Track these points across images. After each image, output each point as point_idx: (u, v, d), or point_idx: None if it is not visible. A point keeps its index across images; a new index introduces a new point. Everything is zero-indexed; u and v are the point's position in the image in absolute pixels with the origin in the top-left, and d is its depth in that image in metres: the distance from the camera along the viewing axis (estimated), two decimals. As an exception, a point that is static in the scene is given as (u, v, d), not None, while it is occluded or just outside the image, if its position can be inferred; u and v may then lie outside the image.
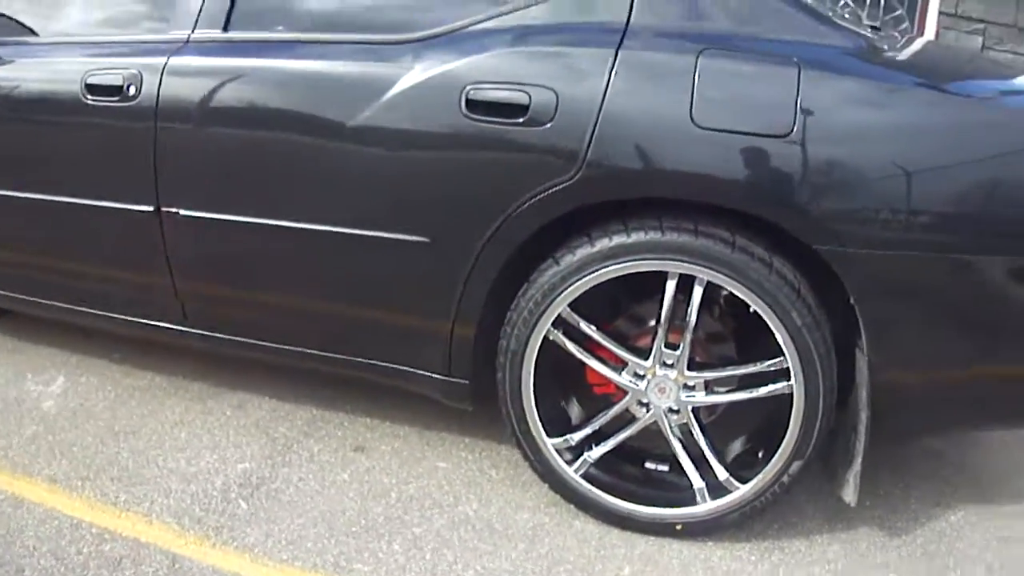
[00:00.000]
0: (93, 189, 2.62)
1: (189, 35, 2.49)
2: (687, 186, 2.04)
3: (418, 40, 2.23)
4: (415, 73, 2.18)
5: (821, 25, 2.10)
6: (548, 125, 2.07)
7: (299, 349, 2.57)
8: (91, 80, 2.55)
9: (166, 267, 2.57)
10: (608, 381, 2.31)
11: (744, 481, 2.24)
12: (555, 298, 2.18)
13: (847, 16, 2.61)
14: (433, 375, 2.40)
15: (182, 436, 2.69)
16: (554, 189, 2.09)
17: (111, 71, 2.53)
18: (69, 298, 2.87)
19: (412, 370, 2.43)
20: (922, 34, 5.97)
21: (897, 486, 2.55)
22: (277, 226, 2.38)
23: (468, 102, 2.13)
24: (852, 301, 2.04)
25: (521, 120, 2.09)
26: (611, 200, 2.11)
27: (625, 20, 2.12)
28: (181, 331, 2.70)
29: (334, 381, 2.93)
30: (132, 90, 2.47)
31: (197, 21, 2.49)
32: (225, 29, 2.47)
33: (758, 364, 2.16)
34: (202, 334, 2.67)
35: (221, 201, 2.43)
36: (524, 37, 2.16)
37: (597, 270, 2.14)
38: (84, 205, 2.64)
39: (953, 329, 2.06)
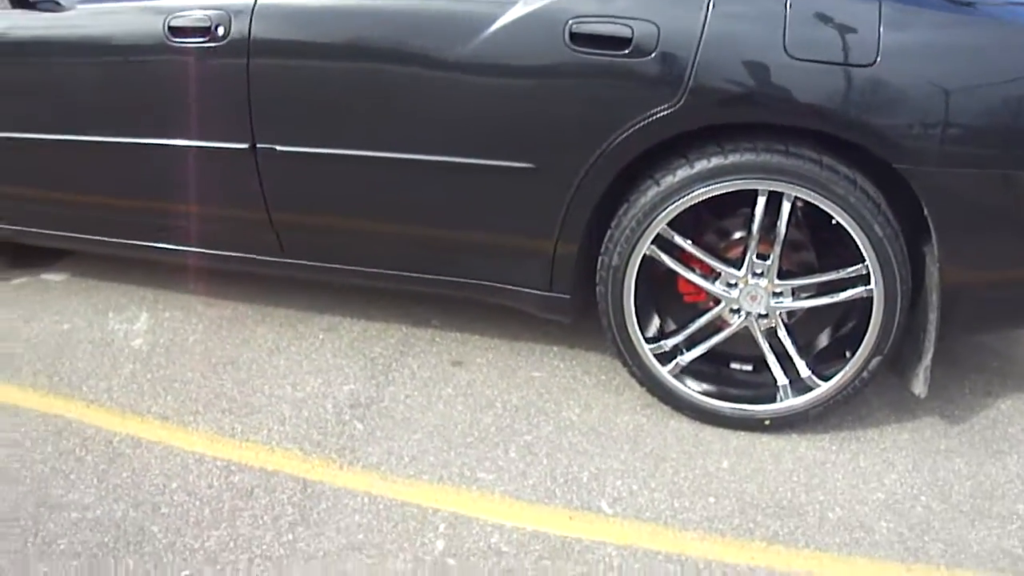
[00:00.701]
0: (186, 129, 2.78)
1: None
2: (780, 111, 2.30)
3: None
4: (518, 7, 2.39)
5: None
6: (651, 56, 2.31)
7: (404, 273, 2.82)
8: (175, 23, 2.69)
9: (263, 202, 2.76)
10: (699, 290, 2.59)
11: (826, 378, 2.55)
12: (656, 217, 2.45)
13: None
14: (536, 291, 2.66)
15: (281, 363, 2.91)
16: (657, 116, 2.34)
17: (196, 11, 2.66)
18: (159, 237, 3.04)
19: (515, 288, 2.70)
20: None
21: (952, 379, 2.89)
22: (383, 157, 2.60)
23: (572, 35, 2.35)
24: (925, 213, 2.33)
25: (625, 52, 2.32)
26: (710, 125, 2.36)
27: None
28: (279, 262, 2.91)
29: (421, 300, 3.17)
30: (221, 31, 2.63)
31: None
32: None
33: (841, 271, 2.45)
34: (302, 263, 2.88)
35: (322, 136, 2.64)
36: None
37: (696, 190, 2.41)
38: (177, 146, 2.80)
39: (1009, 235, 2.37)
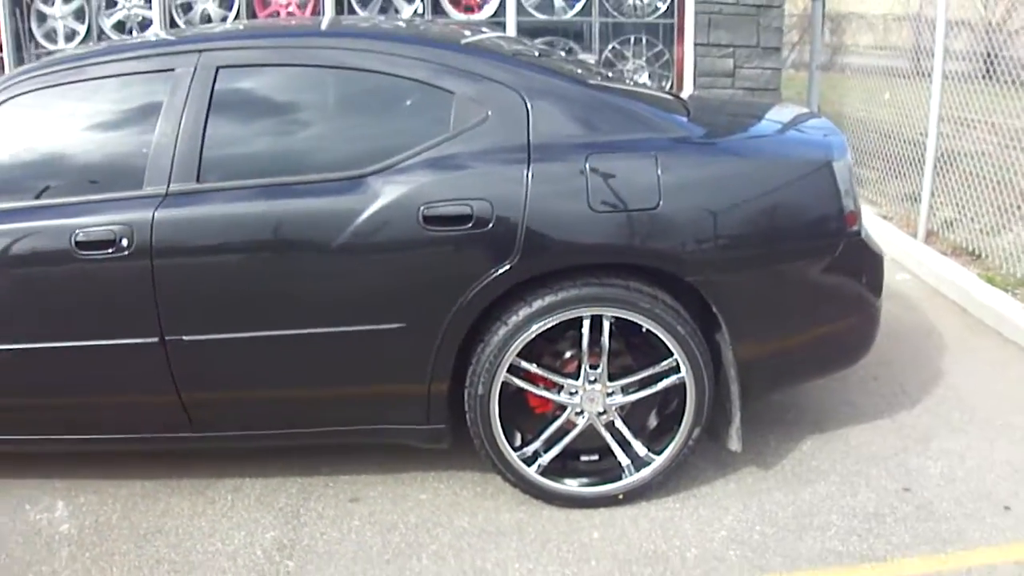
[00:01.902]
0: (98, 329, 3.40)
1: (167, 188, 3.32)
2: (592, 254, 3.19)
3: (372, 173, 3.22)
4: (378, 201, 3.17)
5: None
6: (489, 227, 3.15)
7: (302, 429, 3.52)
8: (80, 237, 3.31)
9: (172, 385, 3.41)
10: (546, 402, 3.41)
11: (659, 452, 3.41)
12: (508, 350, 3.27)
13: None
14: (417, 426, 3.43)
15: (203, 524, 3.53)
16: (499, 272, 3.17)
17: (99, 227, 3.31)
18: (74, 430, 3.63)
19: (400, 426, 3.44)
20: (681, 63, 7.49)
21: (759, 434, 3.82)
22: (278, 335, 3.33)
23: (425, 217, 3.16)
24: (714, 310, 3.25)
25: (468, 226, 3.15)
26: (540, 274, 3.20)
27: (527, 141, 3.21)
28: (190, 437, 3.56)
29: (309, 453, 3.86)
30: (125, 242, 3.28)
31: (171, 176, 3.33)
32: (198, 180, 3.33)
33: (655, 367, 3.33)
34: (212, 435, 3.55)
35: (223, 322, 3.34)
36: (455, 163, 3.20)
37: (536, 323, 3.25)
38: (89, 346, 3.42)
39: (779, 313, 3.32)
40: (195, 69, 3.39)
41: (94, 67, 3.55)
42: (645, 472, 3.43)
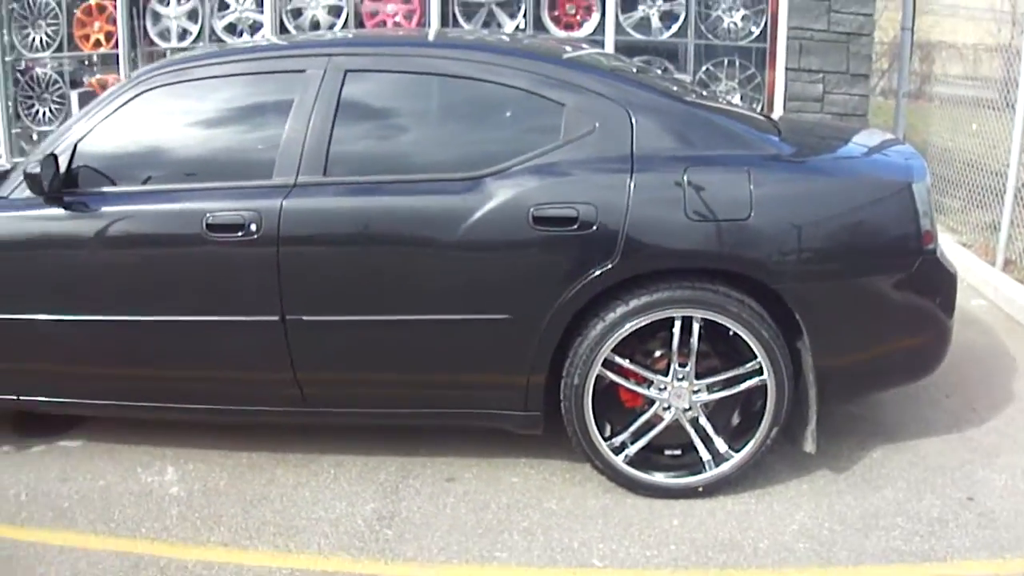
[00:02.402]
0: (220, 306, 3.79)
1: (295, 180, 3.71)
2: (687, 258, 3.53)
3: (487, 175, 3.58)
4: (492, 201, 3.53)
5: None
6: (593, 229, 3.48)
7: (408, 410, 3.90)
8: (211, 220, 3.70)
9: (289, 363, 3.77)
10: (636, 396, 3.73)
11: (738, 450, 3.71)
12: (604, 345, 3.59)
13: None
14: (515, 412, 3.76)
15: (307, 495, 3.88)
16: (601, 272, 3.50)
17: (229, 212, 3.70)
18: (192, 400, 4.01)
19: (498, 411, 3.78)
20: (772, 87, 7.89)
21: (832, 440, 4.12)
22: (392, 320, 3.70)
23: (534, 218, 3.51)
24: (797, 317, 3.56)
25: (574, 227, 3.49)
26: (637, 274, 3.53)
27: (630, 152, 3.55)
28: (301, 412, 3.94)
29: (407, 434, 4.22)
30: (254, 227, 3.65)
31: (299, 168, 3.71)
32: (325, 173, 3.71)
33: (739, 368, 3.64)
34: (322, 411, 3.93)
35: (342, 306, 3.72)
36: (564, 169, 3.55)
37: (632, 322, 3.58)
38: (214, 321, 3.82)
39: (858, 326, 3.63)
40: (325, 71, 3.77)
41: (227, 64, 3.99)
42: (724, 467, 3.74)
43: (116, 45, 8.74)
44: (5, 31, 8.96)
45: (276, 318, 3.73)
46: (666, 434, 3.78)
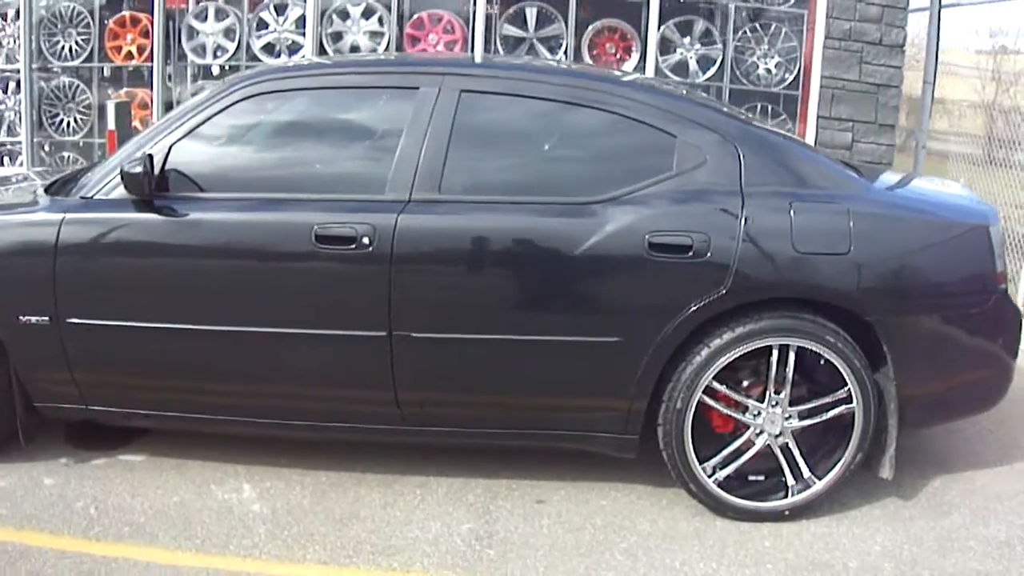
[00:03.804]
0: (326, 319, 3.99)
1: (409, 196, 3.94)
2: (791, 288, 3.88)
3: (603, 201, 3.87)
4: (608, 226, 3.81)
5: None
6: (706, 257, 3.79)
7: (497, 430, 4.12)
8: (320, 232, 3.90)
9: (391, 380, 3.98)
10: (727, 422, 4.05)
11: (821, 477, 4.06)
12: (707, 371, 3.90)
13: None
14: (615, 435, 4.05)
15: (397, 514, 4.09)
16: (712, 298, 3.82)
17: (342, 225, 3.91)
18: (281, 415, 4.18)
19: (595, 434, 4.06)
20: (803, 134, 8.42)
21: (897, 469, 4.47)
22: (502, 339, 3.95)
23: (650, 244, 3.81)
24: (884, 348, 3.93)
25: (689, 255, 3.80)
26: (745, 303, 3.85)
27: (739, 186, 3.88)
28: (396, 430, 4.16)
29: (487, 455, 4.46)
30: (366, 240, 3.86)
31: (413, 185, 3.94)
32: (439, 191, 3.95)
33: (830, 395, 3.99)
34: (420, 430, 4.15)
35: (454, 323, 3.95)
36: (678, 198, 3.86)
37: (735, 349, 3.89)
38: (314, 334, 4.01)
39: (942, 358, 4.02)
40: (439, 90, 4.03)
41: (336, 76, 4.29)
42: (809, 492, 4.08)
43: (148, 58, 8.84)
44: (33, 38, 8.96)
45: (383, 333, 3.94)
46: (750, 460, 4.09)
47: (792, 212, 3.89)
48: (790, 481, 4.08)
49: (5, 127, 9.29)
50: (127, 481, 4.30)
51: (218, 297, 4.06)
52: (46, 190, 4.42)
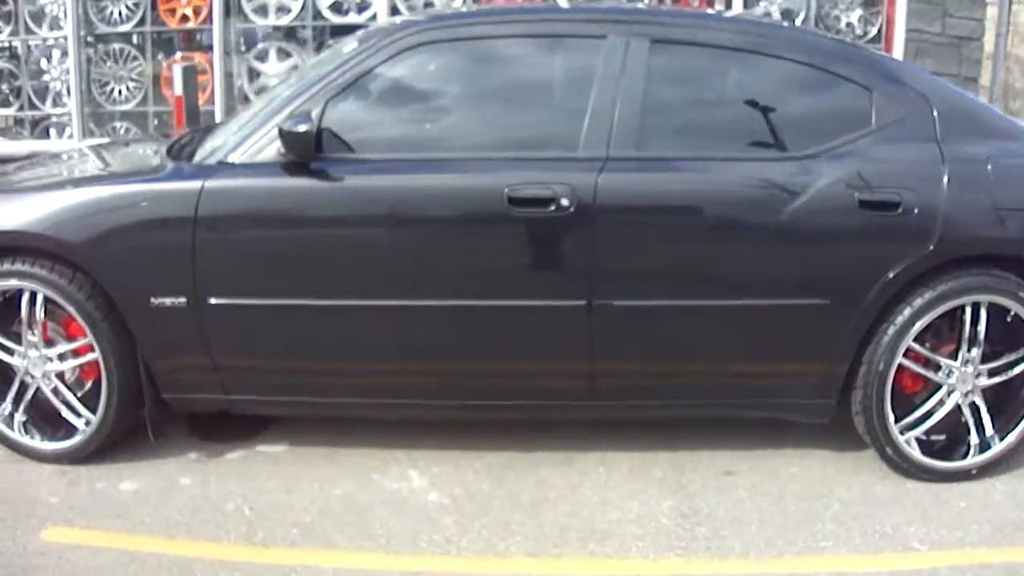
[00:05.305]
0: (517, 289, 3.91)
1: (607, 153, 3.88)
2: (994, 244, 3.98)
3: (806, 157, 3.89)
4: (815, 185, 3.84)
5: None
6: (914, 214, 3.86)
7: (687, 401, 4.12)
8: (512, 193, 3.81)
9: (587, 352, 3.92)
10: (916, 383, 4.14)
11: (1006, 433, 4.19)
12: (910, 331, 3.98)
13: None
14: (812, 401, 4.09)
15: (588, 495, 4.06)
16: (920, 255, 3.89)
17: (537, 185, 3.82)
18: (456, 395, 4.11)
19: (791, 400, 4.11)
20: None
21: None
22: (702, 306, 3.94)
23: (860, 202, 3.85)
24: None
25: (898, 212, 3.86)
26: (949, 259, 3.93)
27: (936, 141, 3.96)
28: (580, 405, 4.11)
29: (656, 427, 4.45)
30: (566, 201, 3.78)
31: (610, 141, 3.88)
32: (637, 148, 3.91)
33: (1016, 352, 4.12)
34: (610, 404, 4.12)
35: (659, 289, 3.92)
36: (881, 154, 3.91)
37: (936, 308, 3.99)
38: (504, 306, 3.94)
39: None
40: (629, 40, 3.96)
41: (512, 24, 4.17)
42: (993, 451, 4.21)
43: (206, 20, 8.63)
44: (80, 3, 8.70)
45: (582, 303, 3.87)
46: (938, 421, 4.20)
47: (990, 167, 3.98)
48: (974, 440, 4.20)
49: (51, 98, 9.12)
50: (275, 475, 4.14)
51: (388, 269, 3.94)
52: (168, 153, 4.17)
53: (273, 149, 3.90)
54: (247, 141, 3.95)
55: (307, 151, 3.79)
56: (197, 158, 4.09)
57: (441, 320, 3.95)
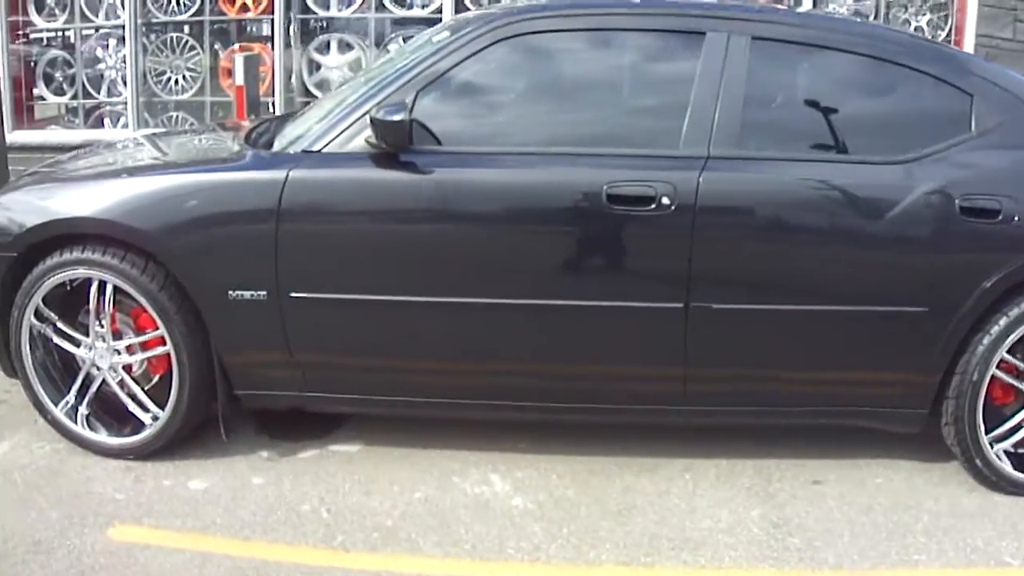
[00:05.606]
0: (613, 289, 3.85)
1: (708, 152, 3.82)
2: None
3: (908, 161, 3.85)
4: (915, 191, 3.79)
5: None
6: (1015, 221, 3.82)
7: (780, 409, 4.06)
8: (611, 191, 3.75)
9: (682, 356, 3.86)
10: (1007, 394, 4.12)
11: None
12: (1004, 341, 3.94)
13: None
14: (905, 410, 4.05)
15: (676, 503, 4.01)
16: (1017, 265, 3.86)
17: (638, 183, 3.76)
18: (544, 398, 4.03)
19: (881, 409, 4.07)
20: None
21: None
22: (800, 310, 3.88)
23: (961, 208, 3.81)
24: None
25: (998, 219, 3.83)
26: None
27: None
28: (671, 410, 4.05)
29: (742, 436, 4.40)
30: (666, 200, 3.72)
31: (711, 139, 3.83)
32: (739, 146, 3.86)
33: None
34: (703, 409, 4.06)
35: (758, 293, 3.87)
36: (981, 160, 3.87)
37: (1030, 317, 3.94)
38: (595, 307, 3.87)
39: None
40: (728, 37, 3.91)
41: (609, 16, 4.08)
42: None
43: (267, 10, 8.53)
44: None
45: (679, 305, 3.81)
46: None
47: None
48: (1052, 449, 4.18)
49: (106, 87, 9.05)
50: (351, 476, 4.06)
51: (478, 267, 3.88)
52: (246, 141, 4.08)
53: (361, 139, 3.83)
54: (334, 130, 3.87)
55: (401, 141, 3.71)
56: (276, 146, 4.00)
57: (532, 320, 3.89)
